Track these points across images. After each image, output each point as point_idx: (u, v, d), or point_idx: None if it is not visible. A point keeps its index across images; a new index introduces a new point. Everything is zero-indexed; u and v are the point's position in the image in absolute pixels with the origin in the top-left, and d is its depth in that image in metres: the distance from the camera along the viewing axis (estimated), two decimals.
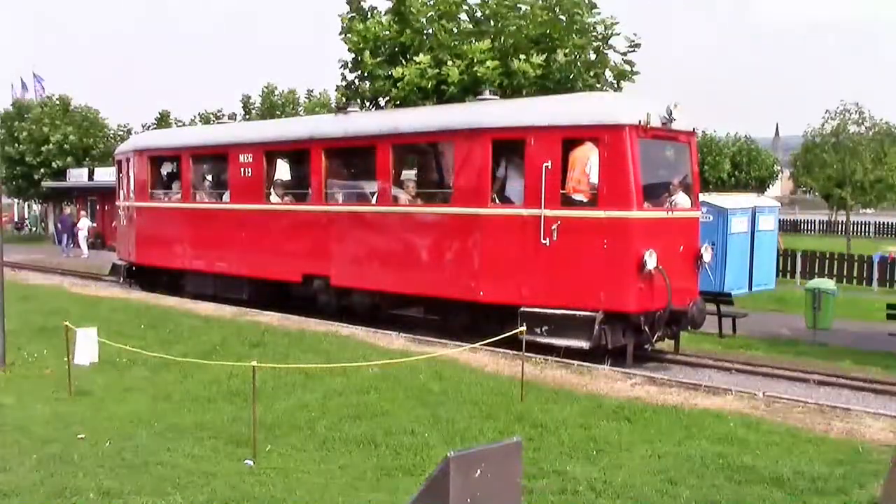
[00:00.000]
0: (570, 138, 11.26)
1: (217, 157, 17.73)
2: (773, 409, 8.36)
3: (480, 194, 12.06)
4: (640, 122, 10.95)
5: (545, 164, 11.20)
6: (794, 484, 6.14)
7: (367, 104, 18.87)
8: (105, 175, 39.44)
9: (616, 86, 17.35)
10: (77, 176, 41.54)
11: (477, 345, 10.08)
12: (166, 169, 19.17)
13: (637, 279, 10.85)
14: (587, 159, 11.12)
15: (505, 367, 10.28)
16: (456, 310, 12.74)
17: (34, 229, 56.04)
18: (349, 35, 17.83)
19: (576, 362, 10.55)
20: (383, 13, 17.80)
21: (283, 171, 16.12)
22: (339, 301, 14.46)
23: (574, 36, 16.60)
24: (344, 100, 20.06)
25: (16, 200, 56.80)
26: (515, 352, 9.92)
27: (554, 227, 11.19)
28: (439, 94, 16.70)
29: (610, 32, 17.13)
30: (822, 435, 7.46)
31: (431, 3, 17.33)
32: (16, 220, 60.96)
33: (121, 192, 20.44)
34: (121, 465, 6.57)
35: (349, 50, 18.09)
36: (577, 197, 11.22)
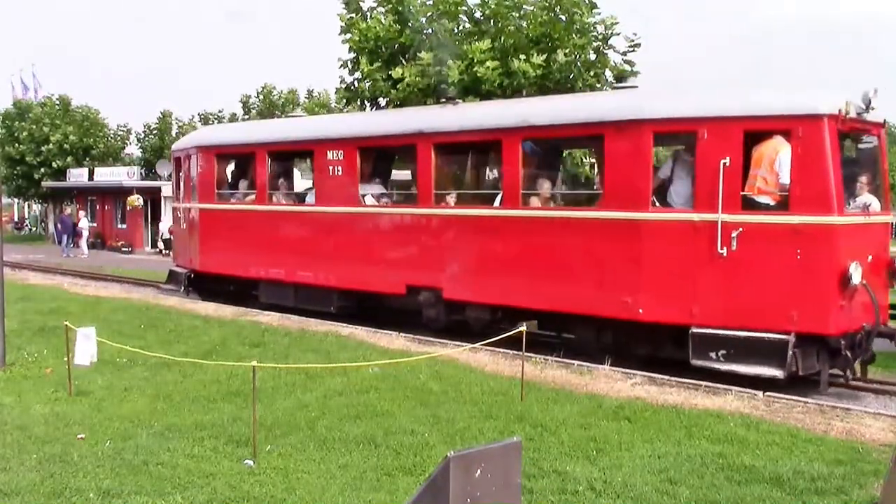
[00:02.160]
0: (754, 131, 9.74)
1: (299, 153, 16.43)
2: (773, 409, 8.36)
3: (639, 196, 10.39)
4: (839, 111, 9.49)
5: (722, 161, 9.68)
6: (794, 484, 6.14)
7: (367, 105, 18.89)
8: (105, 175, 39.52)
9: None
10: (77, 176, 41.58)
11: (477, 345, 10.08)
12: (236, 167, 17.47)
13: (839, 296, 9.33)
14: (775, 155, 9.66)
15: (505, 367, 10.28)
16: (601, 329, 11.20)
17: (34, 229, 56.08)
18: (349, 35, 17.85)
19: (576, 362, 10.55)
20: (383, 13, 17.80)
21: (381, 169, 14.72)
22: (450, 316, 12.83)
23: (574, 36, 16.62)
24: (344, 101, 20.08)
25: (16, 200, 56.91)
26: (515, 352, 9.92)
27: (734, 234, 9.65)
28: (439, 94, 16.70)
29: (610, 32, 17.15)
30: (822, 435, 7.46)
31: (430, 2, 17.33)
32: (16, 220, 61.03)
33: (179, 192, 18.51)
34: (121, 465, 6.57)
35: (349, 50, 18.11)
36: (763, 199, 9.76)
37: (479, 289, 12.16)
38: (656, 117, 10.38)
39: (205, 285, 17.44)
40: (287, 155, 16.50)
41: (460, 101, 13.45)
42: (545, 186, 11.90)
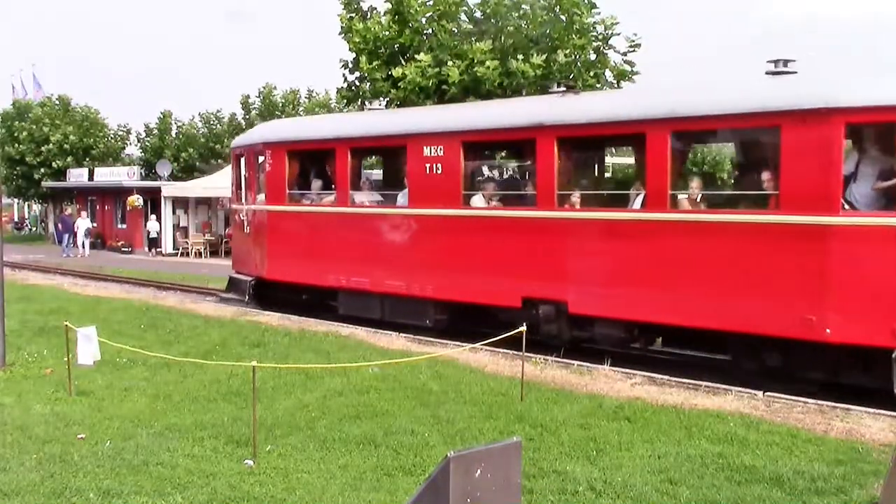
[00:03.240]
0: None
1: (389, 150, 14.73)
2: (773, 409, 8.36)
3: (827, 197, 8.96)
4: None
5: None
6: (794, 484, 6.14)
7: (367, 105, 18.90)
8: (105, 175, 39.50)
9: (616, 86, 17.37)
10: (77, 176, 41.57)
11: (477, 345, 10.07)
12: (311, 165, 15.77)
13: None
14: None
15: (505, 367, 10.28)
16: (766, 349, 9.80)
17: (34, 229, 56.09)
18: (349, 35, 17.86)
19: (576, 362, 10.54)
20: (383, 13, 17.82)
21: (490, 166, 13.29)
22: (575, 332, 11.40)
23: (574, 36, 16.62)
24: (345, 101, 20.08)
25: (16, 200, 56.91)
26: (515, 352, 9.91)
27: None
28: (440, 94, 16.71)
29: (610, 32, 17.16)
30: (822, 435, 7.46)
31: (431, 3, 17.34)
32: (16, 220, 61.05)
33: (239, 192, 16.84)
34: (121, 465, 6.57)
35: (350, 50, 18.12)
36: None
37: (614, 302, 10.63)
38: (851, 106, 8.87)
39: (272, 294, 15.78)
40: (373, 151, 15.14)
41: (580, 89, 11.93)
42: (694, 185, 10.45)
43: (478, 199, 12.38)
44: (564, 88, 11.97)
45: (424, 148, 12.62)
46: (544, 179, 11.35)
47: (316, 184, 15.03)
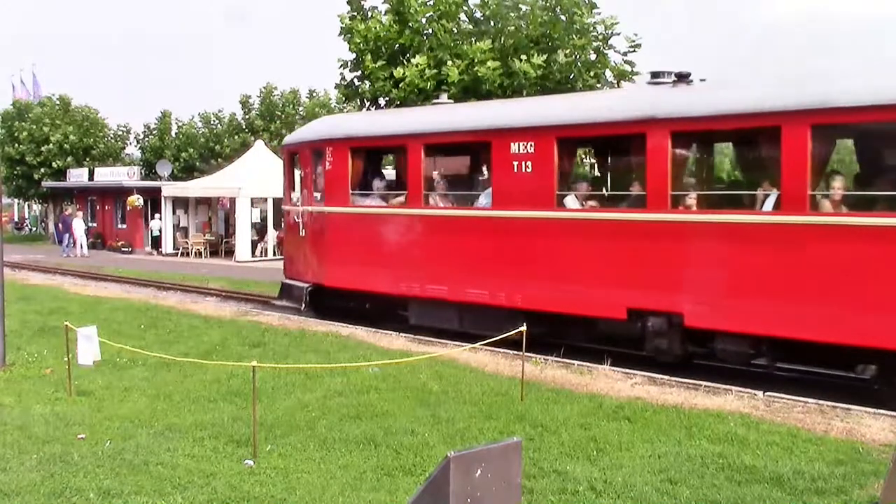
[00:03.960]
0: None
1: (469, 146, 13.63)
2: (773, 409, 8.36)
3: None
4: None
5: None
6: (794, 484, 6.14)
7: (367, 105, 18.89)
8: (105, 175, 39.50)
9: (616, 86, 17.38)
10: (77, 176, 41.57)
11: (477, 345, 10.07)
12: (377, 163, 14.82)
13: None
14: None
15: (505, 367, 10.28)
16: None
17: (34, 229, 56.10)
18: (350, 35, 17.86)
19: (576, 362, 10.54)
20: (383, 13, 17.82)
21: (588, 164, 12.30)
22: (690, 347, 10.46)
23: (574, 36, 16.62)
24: (344, 99, 20.05)
25: (16, 200, 56.91)
26: (515, 352, 9.91)
27: None
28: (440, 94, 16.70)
29: (610, 33, 17.16)
30: (822, 435, 7.46)
31: (431, 3, 17.34)
32: (16, 220, 61.05)
33: (293, 193, 15.70)
34: (121, 465, 6.57)
35: (350, 50, 18.12)
36: None
37: (740, 315, 9.55)
38: None
39: (331, 302, 14.57)
40: (450, 148, 13.91)
41: (693, 78, 10.78)
42: (837, 185, 9.31)
43: (570, 200, 11.30)
44: (675, 77, 10.72)
45: (512, 144, 11.53)
46: (656, 178, 10.21)
47: (381, 184, 14.09)
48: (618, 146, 12.21)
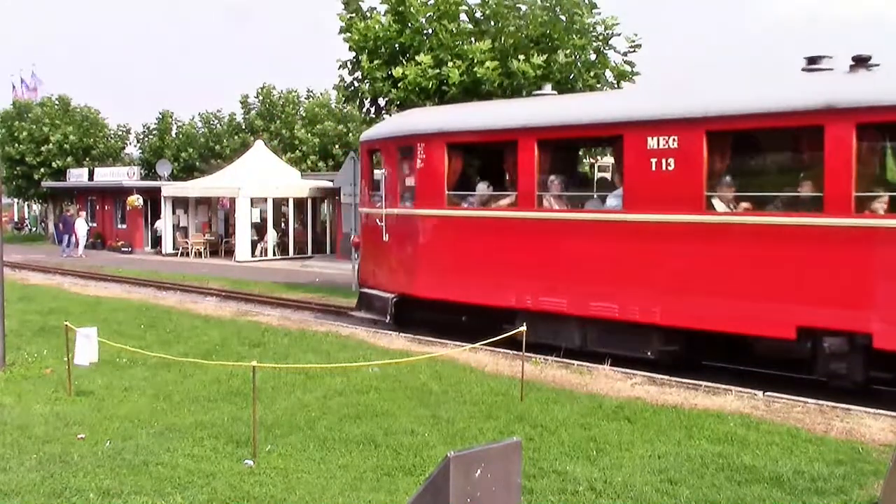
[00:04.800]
0: None
1: (593, 141, 12.31)
2: (773, 409, 8.36)
3: None
4: None
5: None
6: (794, 484, 6.14)
7: (367, 105, 18.88)
8: (105, 175, 39.52)
9: (616, 86, 17.38)
10: (77, 176, 41.59)
11: (477, 345, 10.07)
12: (478, 161, 13.51)
13: None
14: None
15: (505, 367, 10.28)
16: None
17: (34, 229, 56.12)
18: (349, 35, 17.86)
19: (576, 362, 10.54)
20: (383, 13, 17.82)
21: (741, 162, 10.78)
22: (879, 371, 9.17)
23: (574, 36, 16.62)
24: (344, 99, 20.04)
25: (16, 200, 56.92)
26: (515, 352, 9.92)
27: None
28: (440, 94, 16.71)
29: (610, 33, 17.16)
30: (822, 435, 7.46)
31: (431, 3, 17.34)
32: (16, 220, 61.06)
33: (372, 193, 14.26)
34: (121, 465, 6.57)
35: (349, 49, 18.12)
36: None
37: None
38: None
39: (420, 314, 13.22)
40: (569, 143, 12.62)
41: (873, 61, 9.35)
42: None
43: (720, 203, 10.07)
44: (853, 62, 9.45)
45: (649, 139, 10.22)
46: (836, 178, 8.96)
47: (483, 183, 12.66)
48: (779, 141, 10.69)
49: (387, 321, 13.24)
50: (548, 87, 13.33)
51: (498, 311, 11.80)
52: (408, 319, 13.04)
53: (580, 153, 13.04)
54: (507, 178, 12.30)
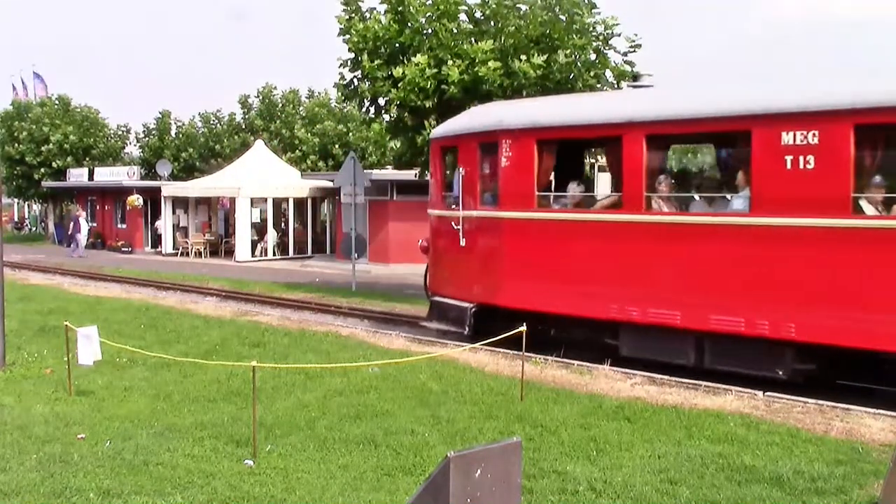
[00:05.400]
0: None
1: (714, 136, 11.07)
2: (773, 409, 8.36)
3: None
4: None
5: None
6: (794, 484, 6.14)
7: (367, 105, 18.87)
8: (105, 175, 39.52)
9: (616, 86, 17.37)
10: (77, 176, 41.58)
11: (477, 345, 10.07)
12: (572, 158, 12.49)
13: None
14: None
15: (505, 367, 10.28)
16: None
17: (34, 229, 56.12)
18: (349, 35, 17.86)
19: (576, 362, 10.54)
20: (382, 13, 17.81)
21: (892, 159, 9.55)
22: None
23: (574, 36, 16.62)
24: (343, 98, 20.01)
25: (16, 200, 56.92)
26: (515, 352, 9.91)
27: None
28: (440, 94, 16.70)
29: (610, 33, 17.15)
30: (822, 435, 7.46)
31: (430, 2, 17.34)
32: (16, 219, 61.07)
33: (445, 195, 13.19)
34: (121, 465, 6.57)
35: (349, 49, 18.11)
36: None
37: None
38: None
39: (503, 325, 11.10)
40: (684, 139, 11.49)
41: None
42: None
43: (868, 206, 9.09)
44: None
45: (783, 134, 9.23)
46: None
47: (574, 184, 11.64)
48: None
49: (465, 333, 12.06)
50: (645, 78, 12.26)
51: (595, 323, 10.80)
52: (488, 331, 11.39)
53: (690, 151, 12.17)
54: (615, 176, 11.19)
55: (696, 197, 10.68)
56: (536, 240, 11.37)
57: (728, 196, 10.23)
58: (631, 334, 10.55)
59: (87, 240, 36.14)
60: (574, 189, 11.51)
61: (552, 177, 11.73)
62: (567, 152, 12.08)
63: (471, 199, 12.20)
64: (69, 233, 35.46)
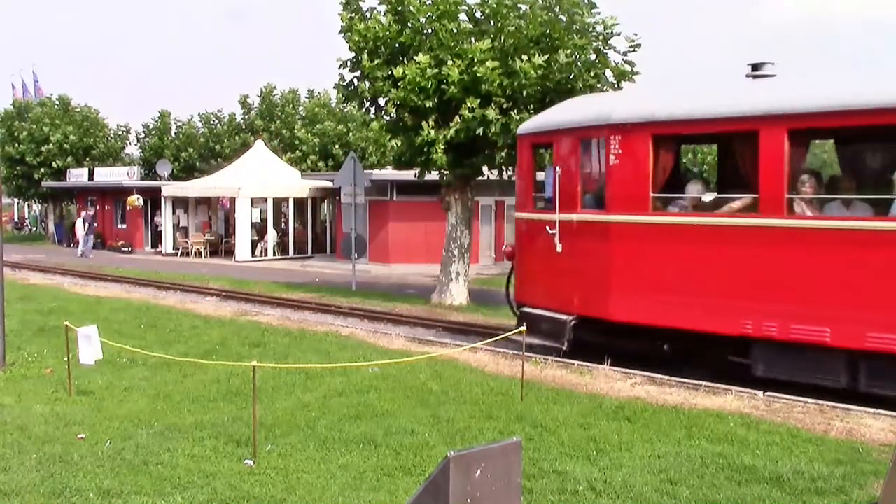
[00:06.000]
0: None
1: (872, 131, 9.64)
2: (773, 409, 8.36)
3: None
4: None
5: None
6: (794, 484, 6.14)
7: (367, 105, 18.87)
8: (105, 175, 39.50)
9: (616, 86, 17.37)
10: (77, 176, 41.57)
11: (477, 345, 10.07)
12: (681, 156, 11.54)
13: None
14: None
15: (505, 367, 10.28)
16: None
17: (34, 229, 56.11)
18: (349, 35, 17.86)
19: (576, 362, 10.54)
20: (382, 13, 17.81)
21: None
22: None
23: (574, 36, 16.62)
24: (344, 99, 20.01)
25: (16, 200, 56.92)
26: (515, 352, 9.91)
27: None
28: (440, 94, 16.70)
29: (610, 32, 17.15)
30: (822, 435, 7.47)
31: (430, 2, 17.34)
32: (16, 219, 61.07)
33: (541, 196, 12.04)
34: (121, 465, 6.57)
35: (349, 49, 18.11)
36: None
37: None
38: None
39: (603, 340, 10.87)
40: (833, 135, 10.55)
41: None
42: None
43: None
44: None
45: None
46: None
47: (693, 184, 10.51)
48: None
49: (563, 348, 10.92)
50: (768, 66, 11.04)
51: (721, 339, 9.70)
52: (588, 346, 10.78)
53: (862, 144, 10.47)
54: (739, 176, 10.15)
55: (844, 199, 9.39)
56: (652, 246, 10.20)
57: None
58: (767, 352, 9.39)
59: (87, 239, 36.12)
60: (694, 189, 10.31)
61: (669, 176, 10.59)
62: (691, 149, 10.72)
63: (569, 200, 11.07)
64: (85, 233, 35.31)
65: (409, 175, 21.47)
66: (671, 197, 10.33)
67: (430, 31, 17.36)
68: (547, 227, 11.31)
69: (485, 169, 18.32)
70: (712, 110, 9.98)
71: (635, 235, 10.33)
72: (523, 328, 9.35)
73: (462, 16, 17.53)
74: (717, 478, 6.31)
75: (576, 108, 11.96)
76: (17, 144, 44.23)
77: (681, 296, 9.92)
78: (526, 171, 12.42)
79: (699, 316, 9.76)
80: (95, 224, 38.49)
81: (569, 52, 16.29)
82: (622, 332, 10.54)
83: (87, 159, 43.90)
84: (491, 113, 16.07)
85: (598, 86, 17.08)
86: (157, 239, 36.17)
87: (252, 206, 32.36)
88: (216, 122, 44.83)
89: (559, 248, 11.14)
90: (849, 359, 8.84)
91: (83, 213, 37.72)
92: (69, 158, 43.64)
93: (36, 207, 57.49)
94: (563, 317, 11.07)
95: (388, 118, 18.64)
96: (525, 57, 16.08)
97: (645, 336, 10.37)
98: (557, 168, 11.24)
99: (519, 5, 17.05)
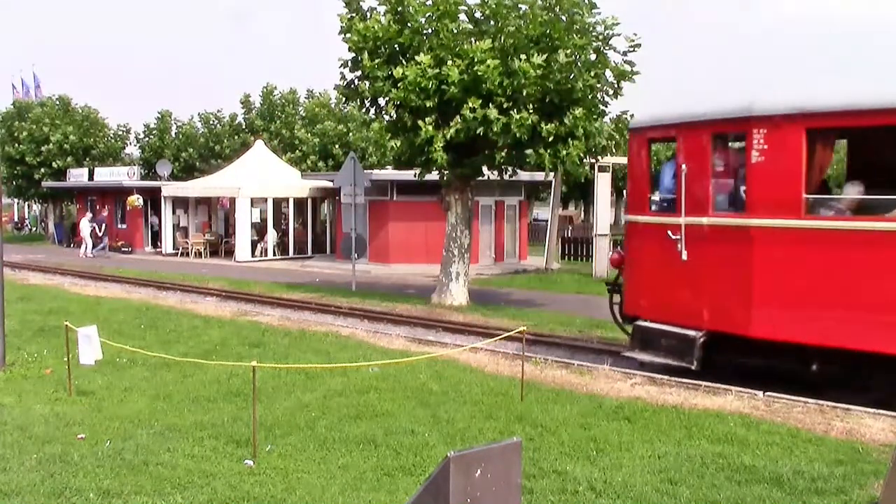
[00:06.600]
0: None
1: None
2: (773, 409, 8.36)
3: None
4: None
5: None
6: (794, 484, 6.14)
7: (367, 105, 18.87)
8: (105, 175, 39.47)
9: (616, 86, 17.37)
10: (77, 176, 41.54)
11: (477, 344, 10.07)
12: (856, 153, 10.61)
13: None
14: None
15: (505, 367, 10.28)
16: None
17: (34, 229, 56.10)
18: (349, 35, 17.86)
19: (576, 362, 10.54)
20: (382, 13, 17.81)
21: None
22: None
23: (574, 36, 16.62)
24: (344, 99, 19.98)
25: (16, 200, 56.91)
26: (515, 352, 9.91)
27: None
28: (440, 94, 16.70)
29: (610, 32, 17.15)
30: (822, 435, 7.47)
31: (430, 2, 17.34)
32: (16, 219, 61.07)
33: (660, 197, 10.97)
34: (121, 465, 6.57)
35: (349, 49, 18.11)
36: None
37: None
38: None
39: (739, 359, 9.92)
40: None
41: None
42: None
43: None
44: None
45: None
46: None
47: (854, 185, 9.24)
48: None
49: (693, 367, 9.75)
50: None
51: (890, 359, 8.49)
52: (719, 365, 9.86)
53: None
54: None
55: None
56: (806, 253, 9.01)
57: None
58: None
59: (87, 240, 36.09)
60: (854, 191, 9.18)
61: (825, 176, 9.52)
62: (863, 143, 10.02)
63: (698, 202, 9.89)
64: (100, 234, 35.28)
65: (409, 175, 21.47)
66: (828, 198, 9.30)
67: (429, 31, 17.36)
68: (669, 232, 10.16)
69: (485, 169, 18.31)
70: (866, 100, 8.69)
71: (784, 241, 9.15)
72: (523, 328, 9.35)
73: (462, 16, 17.53)
74: (717, 478, 6.31)
75: (707, 100, 10.61)
76: (17, 144, 44.21)
77: (842, 310, 8.74)
78: (642, 169, 11.13)
79: (868, 334, 8.55)
80: (92, 225, 38.50)
81: (569, 51, 16.28)
82: (759, 349, 9.52)
83: (87, 159, 43.87)
84: (492, 113, 16.07)
85: (598, 86, 17.09)
86: (157, 240, 36.14)
87: (252, 206, 32.34)
88: (216, 122, 44.82)
89: (684, 256, 9.99)
90: None
91: (98, 216, 37.62)
92: (69, 158, 43.62)
93: (36, 208, 57.46)
94: (691, 332, 9.89)
95: (388, 118, 18.63)
96: (524, 56, 16.08)
97: (788, 354, 9.27)
98: (683, 166, 9.98)
99: (519, 5, 17.04)
